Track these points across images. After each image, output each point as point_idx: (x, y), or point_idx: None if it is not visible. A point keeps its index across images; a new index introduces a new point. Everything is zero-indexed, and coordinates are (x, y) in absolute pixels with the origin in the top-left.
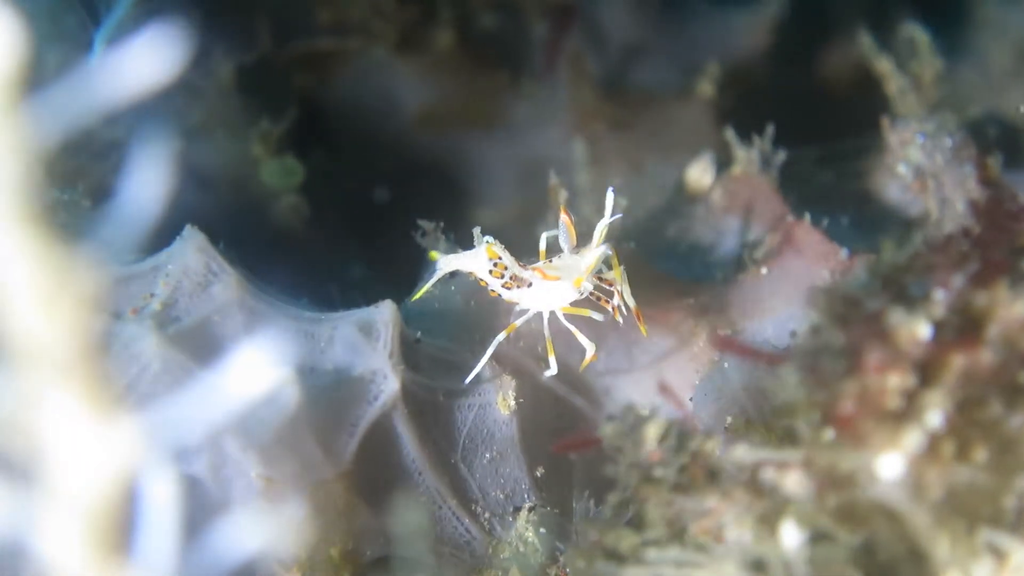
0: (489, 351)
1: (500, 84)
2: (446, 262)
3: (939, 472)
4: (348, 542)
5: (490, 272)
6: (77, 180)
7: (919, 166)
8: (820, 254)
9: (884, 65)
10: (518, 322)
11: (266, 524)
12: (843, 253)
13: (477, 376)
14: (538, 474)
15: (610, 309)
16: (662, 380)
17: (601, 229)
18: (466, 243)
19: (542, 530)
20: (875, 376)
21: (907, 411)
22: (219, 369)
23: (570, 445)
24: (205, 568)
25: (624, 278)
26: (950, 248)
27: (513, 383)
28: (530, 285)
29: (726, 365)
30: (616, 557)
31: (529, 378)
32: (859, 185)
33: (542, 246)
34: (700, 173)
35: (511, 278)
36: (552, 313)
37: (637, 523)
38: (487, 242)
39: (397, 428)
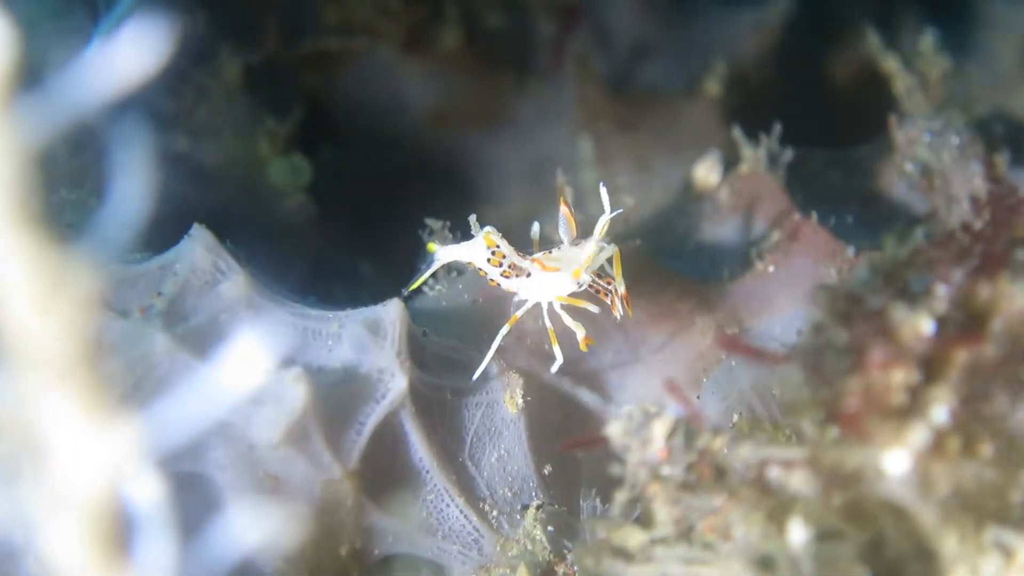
0: (494, 345)
1: (506, 83)
2: (445, 253)
3: (945, 468)
4: (356, 541)
5: (488, 260)
6: (84, 179)
7: (926, 164)
8: (827, 252)
9: (891, 64)
10: (519, 312)
11: (269, 521)
12: (850, 251)
13: (484, 374)
14: (546, 472)
15: (608, 302)
16: (669, 378)
17: (602, 224)
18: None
19: (550, 528)
20: (879, 373)
21: (912, 407)
22: (215, 362)
23: (577, 443)
24: (208, 565)
25: (622, 278)
26: (951, 243)
27: (520, 381)
28: (529, 275)
29: (733, 363)
30: (624, 555)
31: (536, 376)
32: (866, 183)
33: (535, 235)
34: (707, 172)
35: (510, 266)
36: (551, 305)
37: (645, 521)
38: (485, 231)
39: (405, 427)
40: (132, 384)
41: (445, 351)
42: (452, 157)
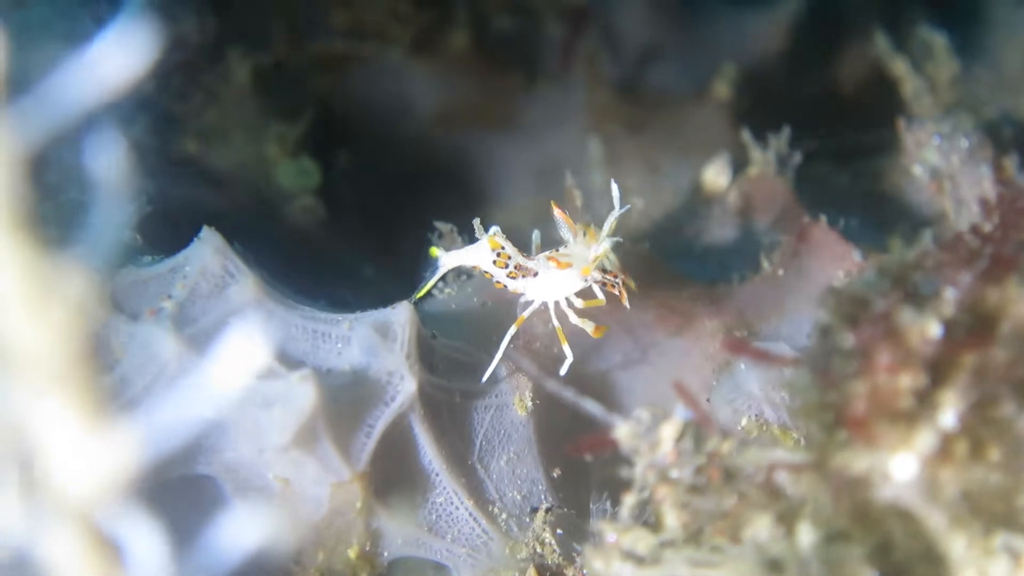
0: (502, 346)
1: (515, 85)
2: (449, 258)
3: (953, 472)
4: (365, 543)
5: (494, 263)
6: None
7: (935, 167)
8: (836, 255)
9: (900, 67)
10: (525, 313)
11: (272, 522)
12: (858, 254)
13: (494, 377)
14: (555, 475)
15: (617, 293)
16: (678, 381)
17: (611, 221)
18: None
19: (559, 531)
20: (886, 376)
21: (919, 411)
22: (211, 359)
23: (586, 446)
24: (210, 567)
25: (620, 267)
26: (960, 246)
27: (530, 384)
28: (535, 275)
29: (742, 366)
30: (633, 558)
31: (544, 381)
32: (874, 186)
33: (536, 241)
34: (716, 174)
35: (515, 267)
36: (558, 304)
37: (654, 524)
38: (490, 233)
39: (414, 429)
40: (142, 386)
41: (454, 353)
42: (460, 159)
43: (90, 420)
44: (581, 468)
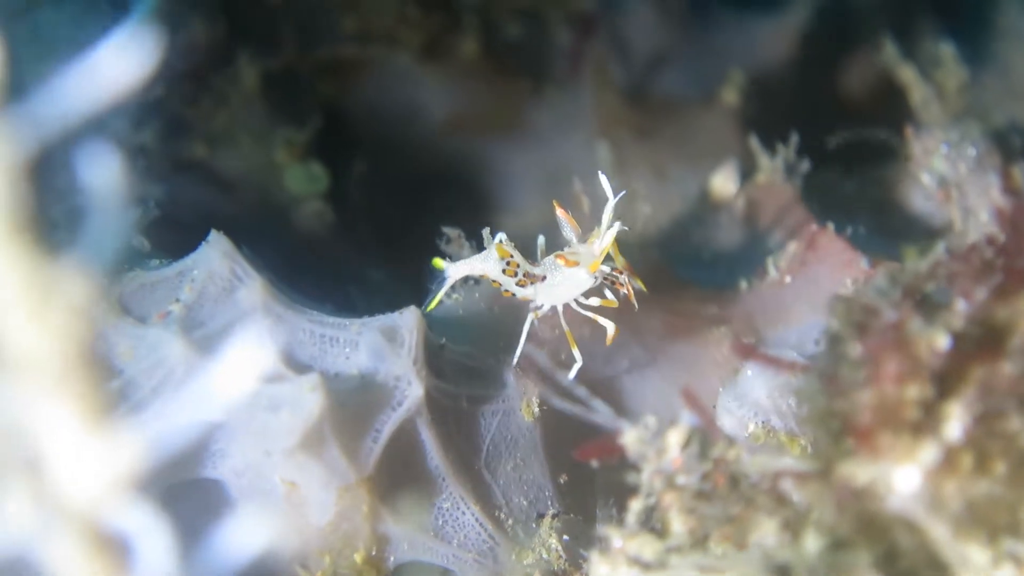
0: (522, 339)
1: (523, 91)
2: (456, 269)
3: (957, 485)
4: (371, 547)
5: (503, 271)
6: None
7: (943, 175)
8: (844, 262)
9: (908, 74)
10: (539, 312)
11: (277, 525)
12: (866, 261)
13: (501, 382)
14: (561, 481)
15: (624, 292)
16: (685, 387)
17: (607, 213)
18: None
19: (565, 537)
20: (893, 386)
21: (925, 423)
22: (216, 363)
23: (593, 452)
24: (217, 568)
25: (623, 261)
26: (973, 257)
27: (537, 390)
28: (543, 279)
29: (749, 373)
30: (640, 564)
31: (551, 387)
32: (882, 194)
33: (541, 246)
34: (724, 181)
35: (524, 275)
36: (567, 307)
37: (660, 530)
38: (497, 242)
39: (421, 434)
40: (150, 389)
41: (462, 359)
42: (469, 165)
43: (93, 423)
44: (587, 474)
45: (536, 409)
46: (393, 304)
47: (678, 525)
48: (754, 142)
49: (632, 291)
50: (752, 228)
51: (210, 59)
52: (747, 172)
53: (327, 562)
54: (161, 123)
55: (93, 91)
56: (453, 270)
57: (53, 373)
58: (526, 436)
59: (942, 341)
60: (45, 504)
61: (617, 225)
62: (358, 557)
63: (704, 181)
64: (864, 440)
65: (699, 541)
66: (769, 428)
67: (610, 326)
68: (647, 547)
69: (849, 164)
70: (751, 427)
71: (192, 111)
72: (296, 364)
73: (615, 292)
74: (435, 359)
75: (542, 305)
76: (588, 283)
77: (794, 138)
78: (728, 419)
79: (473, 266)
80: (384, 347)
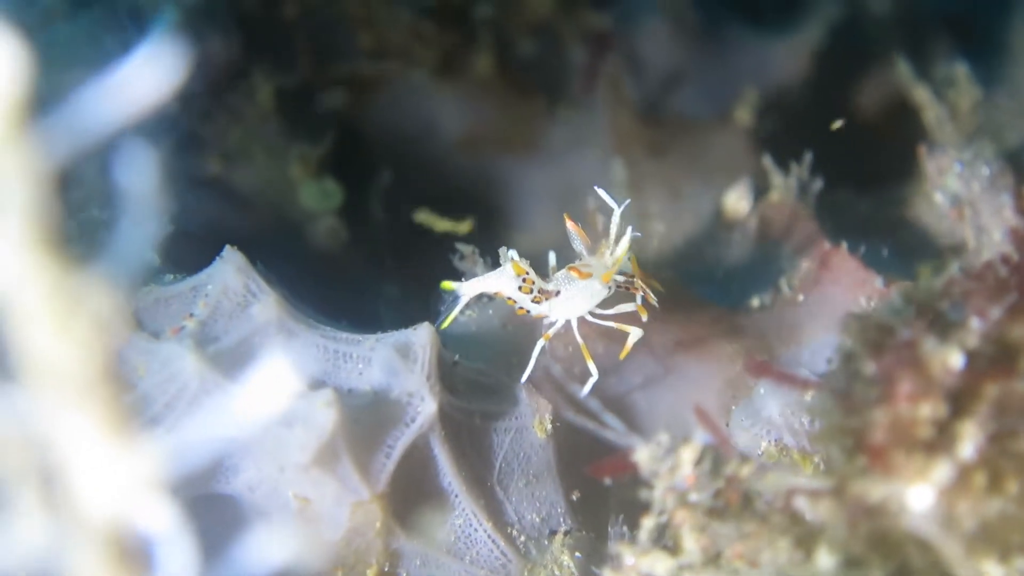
0: (533, 358)
1: (538, 109)
2: (469, 287)
3: (970, 504)
4: (384, 563)
5: (519, 288)
6: (115, 199)
7: (956, 194)
8: (857, 281)
9: (921, 94)
10: (551, 332)
11: (297, 542)
12: (879, 281)
13: (513, 399)
14: (574, 498)
15: (640, 296)
16: (698, 405)
17: (615, 223)
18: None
19: (578, 554)
20: (907, 405)
21: (939, 442)
22: (242, 384)
23: (605, 469)
24: None
25: (640, 271)
26: (987, 276)
27: (550, 407)
28: (557, 294)
29: (762, 391)
30: None
31: (563, 405)
32: (895, 213)
33: (552, 263)
34: (737, 199)
35: (539, 291)
36: (581, 320)
37: (672, 547)
38: (512, 259)
39: (434, 450)
40: (163, 404)
41: (475, 375)
42: (483, 182)
43: (115, 436)
44: (600, 491)
45: (549, 426)
46: (406, 320)
47: (690, 543)
48: (767, 161)
49: (650, 294)
50: (765, 247)
51: (226, 75)
52: (760, 191)
53: None
54: (176, 139)
55: (120, 105)
56: (467, 288)
57: (76, 384)
58: (539, 453)
59: (956, 360)
60: (67, 515)
61: (629, 231)
62: (371, 573)
63: (718, 199)
64: (878, 458)
65: (711, 559)
66: (782, 446)
67: (635, 331)
68: (659, 564)
69: (862, 183)
70: (764, 445)
71: (207, 127)
72: (310, 380)
73: (633, 299)
74: (448, 376)
75: (555, 322)
76: (603, 294)
77: (807, 157)
78: (741, 437)
79: (488, 283)
80: (398, 363)
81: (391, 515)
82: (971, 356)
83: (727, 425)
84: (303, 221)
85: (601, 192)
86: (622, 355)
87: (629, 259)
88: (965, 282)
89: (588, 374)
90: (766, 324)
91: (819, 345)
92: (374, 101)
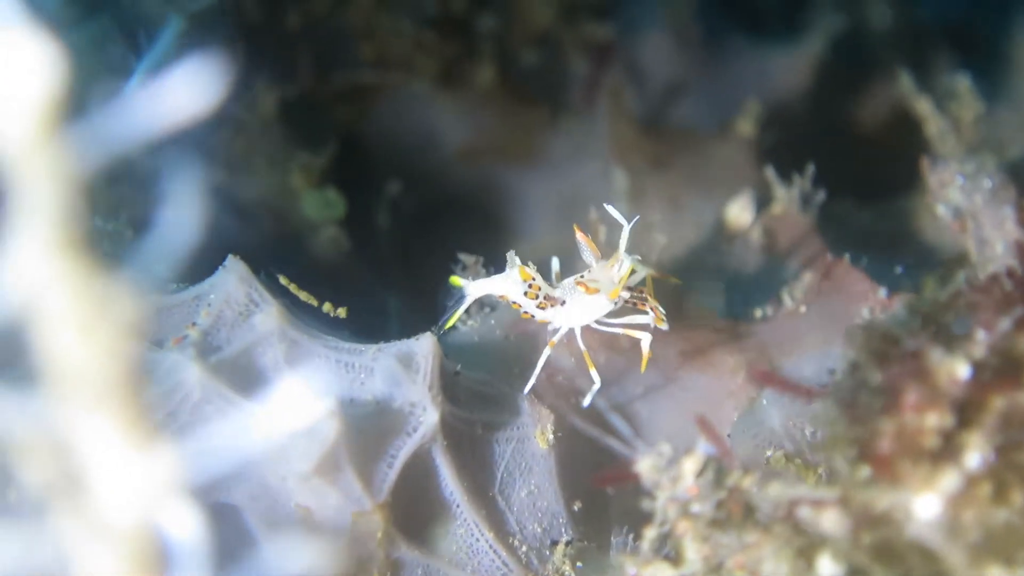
0: (538, 367)
1: (539, 119)
2: (476, 287)
3: (975, 514)
4: (385, 573)
5: (525, 294)
6: (120, 210)
7: (958, 207)
8: (859, 293)
9: (924, 106)
10: (555, 339)
11: (303, 553)
12: (882, 292)
13: (515, 409)
14: (576, 508)
15: (648, 311)
16: (700, 415)
17: (624, 239)
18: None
19: (579, 564)
20: (912, 415)
21: (944, 452)
22: (261, 401)
23: (607, 479)
24: None
25: (652, 291)
26: (993, 288)
27: (552, 417)
28: (563, 303)
29: (764, 401)
30: None
31: (567, 413)
32: (898, 225)
33: (555, 269)
34: (740, 211)
35: (545, 298)
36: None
37: (674, 557)
38: (518, 264)
39: (436, 460)
40: (166, 413)
41: (477, 385)
42: (485, 192)
43: (137, 441)
44: (602, 501)
45: (551, 436)
46: (408, 330)
47: (692, 553)
48: (770, 172)
49: (659, 310)
50: (768, 258)
51: (229, 85)
52: (763, 202)
53: None
54: (179, 148)
55: (156, 117)
56: (473, 288)
57: (99, 389)
58: (540, 463)
59: (962, 370)
60: (88, 520)
61: (633, 258)
62: None
63: (720, 211)
64: (883, 467)
65: (713, 569)
66: (785, 455)
67: (645, 337)
68: (661, 575)
69: (865, 195)
70: (767, 454)
71: (211, 137)
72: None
73: (642, 314)
74: (450, 385)
75: (559, 328)
76: (608, 308)
77: (810, 168)
78: (742, 447)
79: (494, 285)
80: (400, 373)
81: (393, 525)
82: (977, 368)
83: (729, 435)
84: (305, 231)
85: (610, 209)
86: (643, 368)
87: (644, 277)
88: (971, 294)
89: (589, 384)
90: (768, 335)
91: (821, 356)
92: (376, 111)
